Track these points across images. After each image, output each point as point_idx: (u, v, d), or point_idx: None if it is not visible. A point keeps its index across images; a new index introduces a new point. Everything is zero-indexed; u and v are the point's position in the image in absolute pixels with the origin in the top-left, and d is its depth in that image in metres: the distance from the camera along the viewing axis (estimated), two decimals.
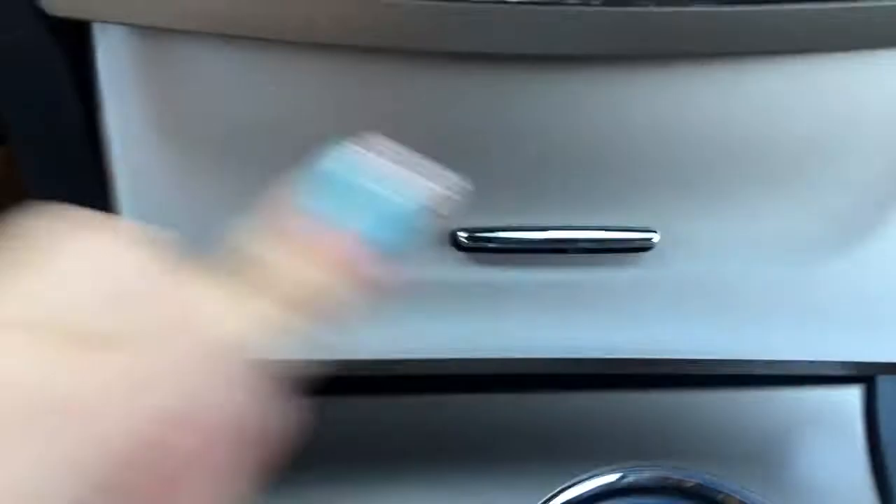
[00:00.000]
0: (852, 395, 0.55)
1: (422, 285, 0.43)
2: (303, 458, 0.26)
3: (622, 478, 0.50)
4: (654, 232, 0.43)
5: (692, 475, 0.50)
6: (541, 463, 0.51)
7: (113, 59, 0.38)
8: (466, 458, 0.51)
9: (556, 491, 0.49)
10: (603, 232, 0.43)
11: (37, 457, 0.15)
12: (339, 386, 0.49)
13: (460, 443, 0.51)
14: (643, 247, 0.44)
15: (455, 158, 0.24)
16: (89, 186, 0.41)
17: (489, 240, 0.43)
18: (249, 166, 0.40)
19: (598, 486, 0.50)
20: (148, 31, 0.37)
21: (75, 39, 0.37)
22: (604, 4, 0.34)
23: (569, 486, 0.49)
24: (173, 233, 0.21)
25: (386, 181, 0.23)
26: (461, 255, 0.44)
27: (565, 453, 0.52)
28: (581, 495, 0.49)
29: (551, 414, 0.53)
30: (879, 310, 0.46)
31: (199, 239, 0.20)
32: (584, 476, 0.50)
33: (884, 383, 0.54)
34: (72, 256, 0.19)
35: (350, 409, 0.53)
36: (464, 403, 0.52)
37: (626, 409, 0.53)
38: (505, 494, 0.50)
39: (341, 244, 0.22)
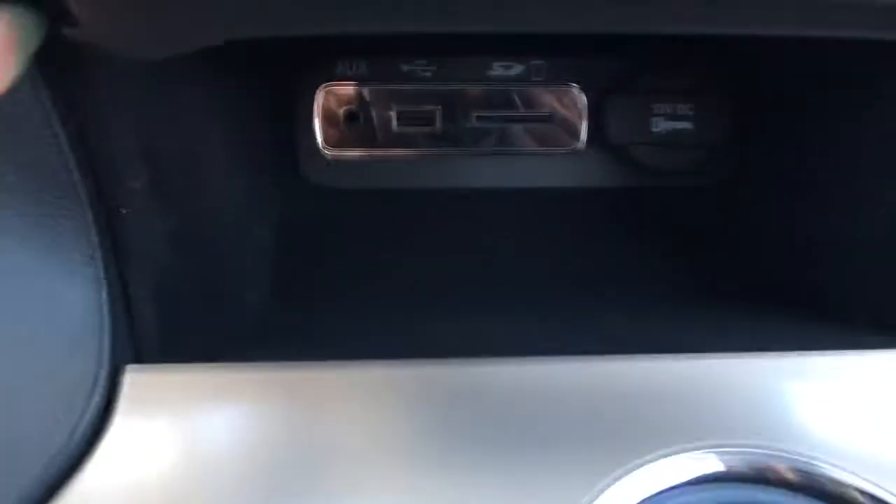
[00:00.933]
0: None
1: None
2: None
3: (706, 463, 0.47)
4: None
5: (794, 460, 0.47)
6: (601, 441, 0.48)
7: None
8: (512, 434, 0.48)
9: (618, 476, 0.46)
10: None
11: None
12: None
13: (507, 416, 0.48)
14: None
15: None
16: None
17: None
18: None
19: (678, 472, 0.47)
20: None
21: None
22: None
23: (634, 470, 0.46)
24: None
25: None
26: None
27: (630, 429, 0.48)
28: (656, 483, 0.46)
29: (614, 383, 0.49)
30: None
31: None
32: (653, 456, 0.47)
33: None
34: None
35: None
36: (513, 371, 0.50)
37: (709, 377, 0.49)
38: (556, 480, 0.46)
39: None
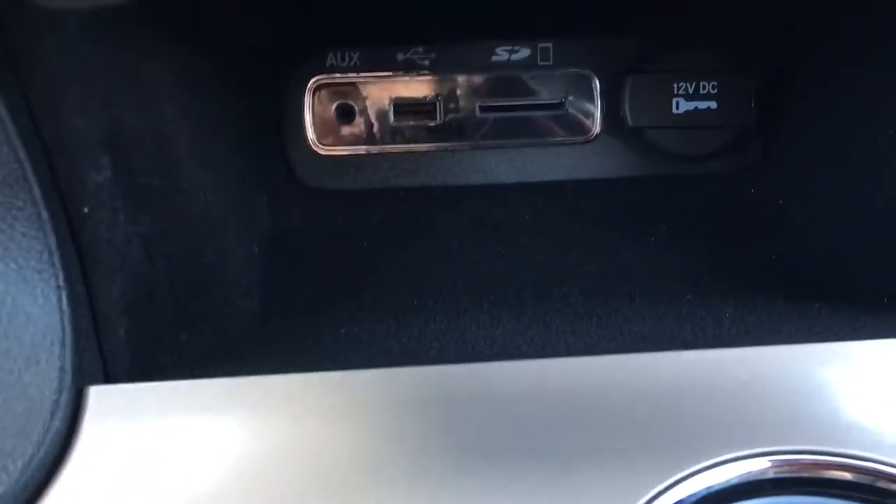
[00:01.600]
0: None
1: None
2: None
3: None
4: None
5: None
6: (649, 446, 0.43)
7: None
8: (533, 442, 0.43)
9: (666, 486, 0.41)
10: None
11: None
12: None
13: (524, 422, 0.43)
14: None
15: None
16: None
17: None
18: None
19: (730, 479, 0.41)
20: None
21: None
22: None
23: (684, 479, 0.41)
24: None
25: None
26: None
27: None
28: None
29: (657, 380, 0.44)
30: None
31: None
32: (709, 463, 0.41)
33: None
34: None
35: None
36: (525, 373, 0.44)
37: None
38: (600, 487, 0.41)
39: None
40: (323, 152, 0.65)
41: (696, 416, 0.42)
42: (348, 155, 0.65)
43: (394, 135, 0.65)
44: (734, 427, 0.42)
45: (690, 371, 0.43)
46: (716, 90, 0.62)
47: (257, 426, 0.42)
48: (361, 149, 0.65)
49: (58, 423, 0.41)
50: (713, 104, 0.63)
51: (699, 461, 0.41)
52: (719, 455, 0.41)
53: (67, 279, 0.42)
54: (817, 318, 0.51)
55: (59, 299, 0.42)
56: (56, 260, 0.42)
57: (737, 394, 0.43)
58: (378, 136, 0.65)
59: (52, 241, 0.41)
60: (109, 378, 0.44)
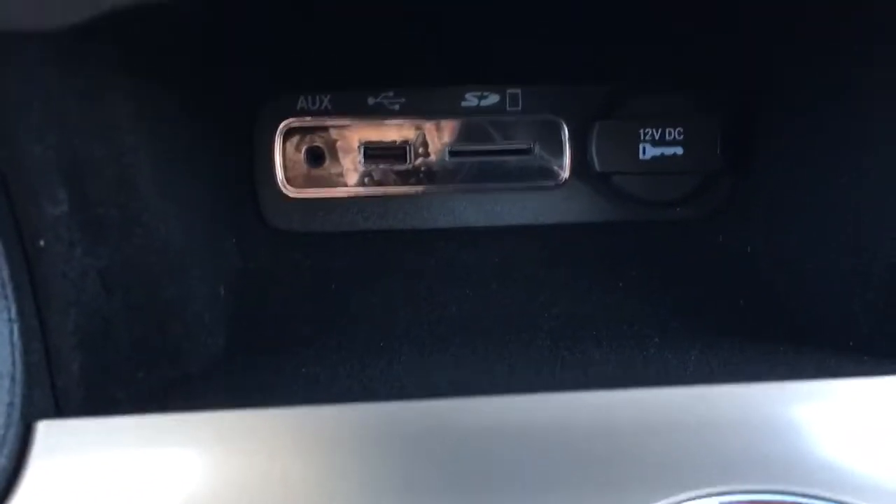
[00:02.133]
0: None
1: None
2: None
3: None
4: None
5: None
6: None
7: None
8: (491, 478, 0.42)
9: None
10: None
11: None
12: None
13: (481, 456, 0.42)
14: None
15: None
16: None
17: None
18: None
19: None
20: None
21: None
22: None
23: None
24: None
25: None
26: None
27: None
28: None
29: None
30: None
31: None
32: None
33: None
34: None
35: None
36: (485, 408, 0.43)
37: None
38: None
39: None
40: (292, 195, 0.65)
41: (653, 454, 0.42)
42: (318, 198, 0.65)
43: (363, 178, 0.65)
44: (691, 465, 0.42)
45: (649, 408, 0.43)
46: (682, 136, 0.63)
47: (211, 461, 0.41)
48: (331, 192, 0.65)
49: (3, 460, 0.40)
50: (679, 150, 0.63)
51: (654, 499, 0.40)
52: (674, 494, 0.40)
53: (20, 312, 0.42)
54: (782, 360, 0.51)
55: (11, 332, 0.41)
56: (8, 292, 0.41)
57: (694, 431, 0.42)
58: (347, 179, 0.65)
59: (5, 273, 0.41)
60: (61, 413, 0.43)
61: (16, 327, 0.41)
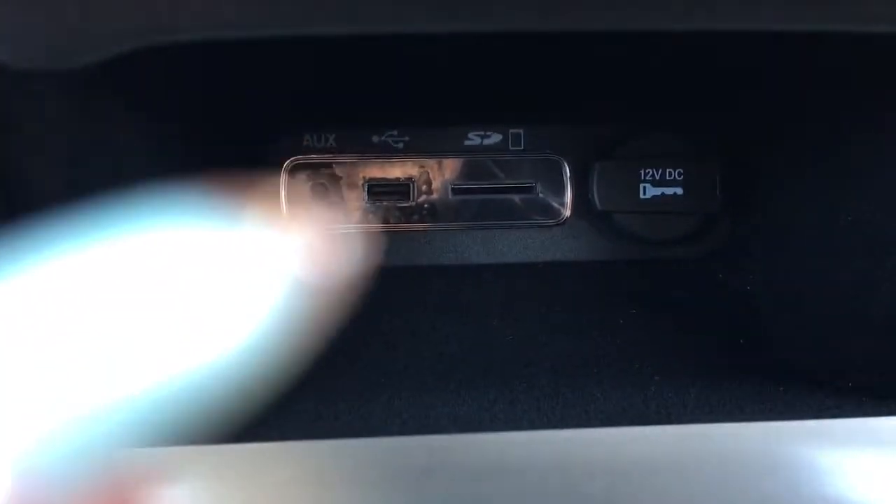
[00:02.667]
0: None
1: None
2: None
3: None
4: None
5: None
6: None
7: None
8: None
9: None
10: None
11: None
12: None
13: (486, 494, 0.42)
14: None
15: None
16: None
17: None
18: None
19: None
20: None
21: None
22: None
23: None
24: None
25: None
26: None
27: None
28: None
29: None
30: None
31: None
32: None
33: None
34: None
35: None
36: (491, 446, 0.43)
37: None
38: None
39: None
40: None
41: (653, 492, 0.42)
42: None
43: (367, 215, 0.66)
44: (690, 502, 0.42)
45: (649, 446, 0.43)
46: (682, 177, 0.64)
47: (207, 496, 0.41)
48: (335, 228, 0.66)
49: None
50: (679, 190, 0.64)
51: None
52: None
53: None
54: (781, 399, 0.51)
55: None
56: None
57: (694, 470, 0.42)
58: (351, 215, 0.66)
59: None
60: None
61: None
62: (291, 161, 0.65)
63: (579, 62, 0.59)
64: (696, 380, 0.55)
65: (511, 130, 0.66)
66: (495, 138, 0.66)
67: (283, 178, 0.65)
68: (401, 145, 0.66)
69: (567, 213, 0.66)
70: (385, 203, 0.66)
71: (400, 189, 0.66)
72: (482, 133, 0.66)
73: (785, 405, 0.50)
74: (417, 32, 0.34)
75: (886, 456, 0.45)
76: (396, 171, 0.66)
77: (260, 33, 0.33)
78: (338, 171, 0.66)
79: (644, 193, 0.64)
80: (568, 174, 0.66)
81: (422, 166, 0.66)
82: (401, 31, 0.34)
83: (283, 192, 0.65)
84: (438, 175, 0.66)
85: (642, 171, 0.64)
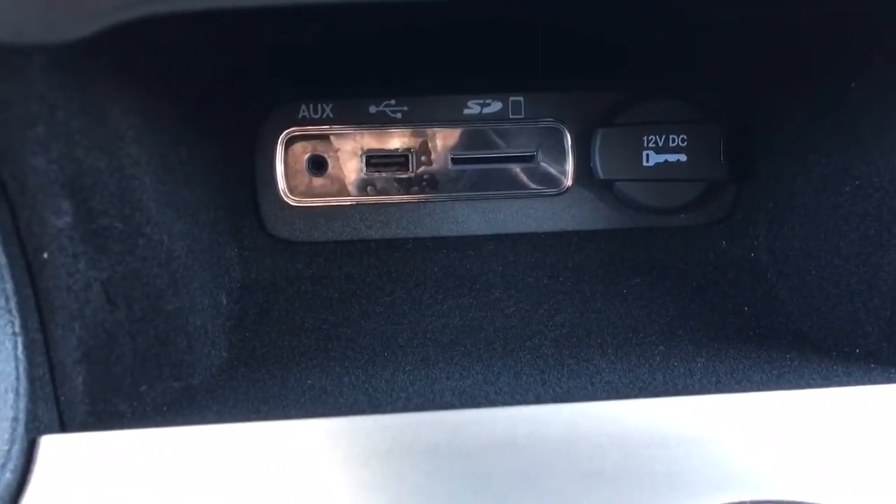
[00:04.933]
0: None
1: None
2: None
3: None
4: None
5: None
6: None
7: None
8: (500, 489, 0.41)
9: None
10: None
11: None
12: None
13: (491, 469, 0.42)
14: None
15: None
16: None
17: None
18: None
19: None
20: None
21: None
22: None
23: None
24: None
25: None
26: None
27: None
28: None
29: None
30: None
31: None
32: None
33: None
34: None
35: None
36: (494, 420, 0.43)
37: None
38: None
39: None
40: (294, 203, 0.64)
41: (661, 465, 0.41)
42: (319, 206, 0.65)
43: (365, 187, 0.65)
44: (699, 475, 0.41)
45: (656, 419, 0.43)
46: (685, 143, 0.63)
47: (216, 475, 0.41)
48: (333, 200, 0.65)
49: (8, 475, 0.40)
50: (683, 157, 0.63)
51: None
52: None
53: (24, 326, 0.41)
54: (789, 367, 0.51)
55: (15, 346, 0.41)
56: (12, 305, 0.41)
57: (702, 442, 0.42)
58: (349, 187, 0.65)
59: (9, 286, 0.40)
60: (65, 427, 0.43)
61: (20, 341, 0.41)
62: (288, 133, 0.64)
63: (579, 27, 0.58)
64: (701, 349, 0.54)
65: (511, 98, 0.64)
66: (495, 107, 0.65)
67: (280, 150, 0.64)
68: (399, 115, 0.64)
69: (569, 181, 0.65)
70: (384, 174, 0.65)
71: (398, 160, 0.65)
72: (482, 101, 0.65)
73: (793, 372, 0.50)
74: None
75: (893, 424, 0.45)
76: (395, 141, 0.65)
77: (260, 2, 0.32)
78: (335, 142, 0.64)
79: (647, 161, 0.63)
80: (569, 142, 0.64)
81: (420, 136, 0.65)
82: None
83: (279, 165, 0.64)
84: (437, 145, 0.65)
85: (645, 138, 0.63)
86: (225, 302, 0.58)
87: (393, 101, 0.64)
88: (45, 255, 0.42)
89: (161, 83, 0.47)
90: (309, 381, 0.50)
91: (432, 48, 0.60)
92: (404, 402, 0.46)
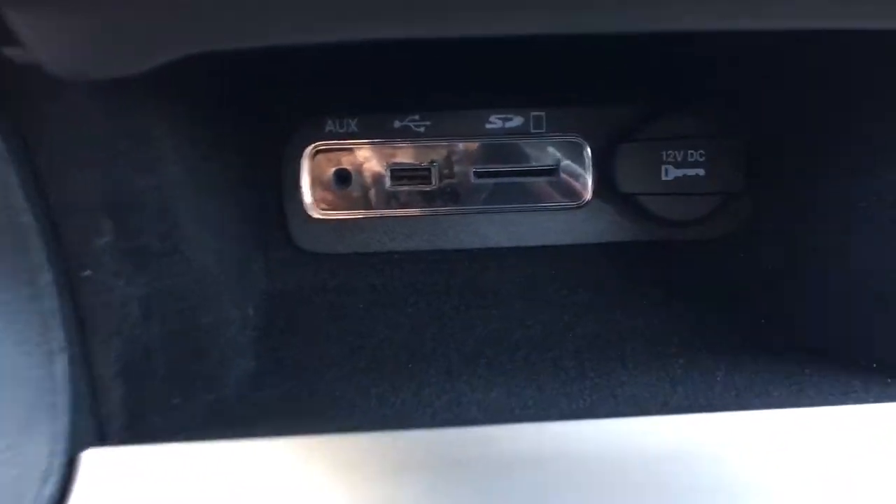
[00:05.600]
0: None
1: None
2: None
3: None
4: None
5: None
6: None
7: None
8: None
9: None
10: None
11: None
12: None
13: (515, 484, 0.43)
14: None
15: None
16: None
17: None
18: None
19: None
20: None
21: None
22: None
23: None
24: None
25: None
26: None
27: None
28: None
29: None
30: None
31: None
32: None
33: None
34: None
35: None
36: (519, 437, 0.44)
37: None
38: None
39: None
40: (319, 216, 0.66)
41: (687, 481, 0.43)
42: (344, 219, 0.66)
43: (389, 200, 0.66)
44: (722, 492, 0.42)
45: (681, 435, 0.44)
46: (703, 158, 0.64)
47: (249, 490, 0.42)
48: (357, 213, 0.66)
49: (50, 488, 0.41)
50: (701, 171, 0.64)
51: None
52: None
53: (67, 341, 0.43)
54: (807, 382, 0.52)
55: (58, 362, 0.42)
56: (57, 322, 0.42)
57: (724, 458, 0.43)
58: (374, 200, 0.66)
59: (54, 304, 0.42)
60: (104, 440, 0.44)
61: (63, 357, 0.42)
62: (314, 147, 0.65)
63: (600, 45, 0.59)
64: (719, 362, 0.55)
65: (533, 113, 0.66)
66: (517, 121, 0.66)
67: (306, 164, 0.65)
68: (422, 129, 0.66)
69: (589, 195, 0.66)
70: (407, 187, 0.66)
71: (422, 173, 0.66)
72: (504, 116, 0.66)
73: (813, 388, 0.50)
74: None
75: None
76: (418, 155, 0.66)
77: (298, 40, 0.33)
78: (360, 156, 0.66)
79: (666, 175, 0.64)
80: (590, 156, 0.65)
81: (443, 150, 0.66)
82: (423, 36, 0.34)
83: (305, 178, 0.65)
84: (460, 159, 0.66)
85: (664, 153, 0.64)
86: (252, 314, 0.59)
87: (417, 116, 0.65)
88: (87, 273, 0.43)
89: (199, 104, 0.48)
90: (337, 394, 0.52)
91: (455, 65, 0.61)
92: (431, 416, 0.47)
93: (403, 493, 0.43)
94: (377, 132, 0.65)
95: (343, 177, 0.66)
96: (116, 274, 0.44)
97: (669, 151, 0.64)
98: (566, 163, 0.66)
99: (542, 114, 0.66)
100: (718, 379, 0.52)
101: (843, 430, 0.45)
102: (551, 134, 0.66)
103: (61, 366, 0.42)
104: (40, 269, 0.41)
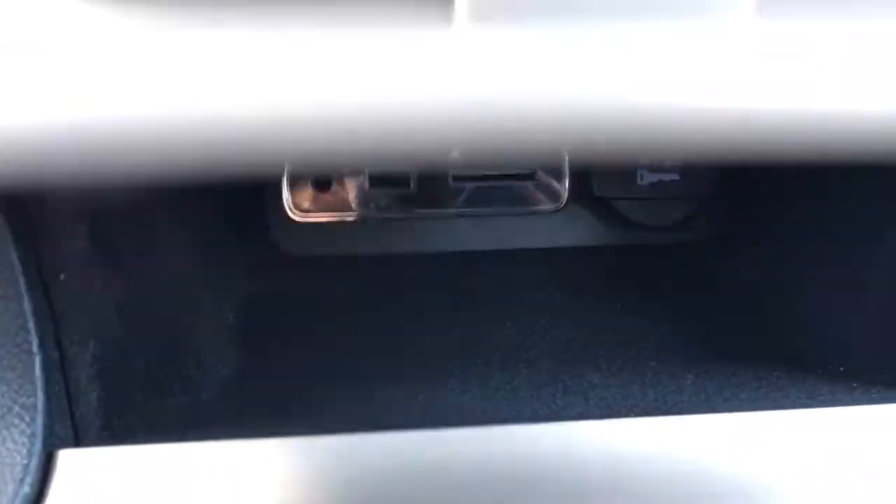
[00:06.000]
0: None
1: None
2: None
3: None
4: None
5: None
6: None
7: None
8: None
9: None
10: None
11: None
12: None
13: (489, 488, 0.44)
14: None
15: None
16: None
17: None
18: None
19: None
20: None
21: None
22: None
23: None
24: None
25: None
26: None
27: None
28: None
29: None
30: None
31: None
32: None
33: None
34: None
35: None
36: (494, 440, 0.45)
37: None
38: None
39: None
40: (299, 219, 0.66)
41: (655, 483, 0.43)
42: (325, 222, 0.67)
43: (368, 203, 0.67)
44: (689, 494, 0.43)
45: (650, 437, 0.44)
46: (679, 163, 0.65)
47: (227, 492, 0.43)
48: (337, 216, 0.67)
49: (27, 489, 0.42)
50: (676, 176, 0.65)
51: None
52: None
53: (41, 345, 0.43)
54: (775, 385, 0.53)
55: (33, 365, 0.43)
56: (31, 326, 0.42)
57: (690, 461, 0.44)
58: (353, 203, 0.66)
59: (28, 307, 0.42)
60: (80, 442, 0.45)
61: (38, 360, 0.43)
62: None
63: None
64: (691, 366, 0.56)
65: None
66: None
67: (286, 167, 0.65)
68: None
69: (566, 199, 0.67)
70: (386, 190, 0.67)
71: (401, 176, 0.67)
72: None
73: (779, 391, 0.51)
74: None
75: (872, 444, 0.46)
76: None
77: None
78: None
79: (642, 179, 0.65)
80: (567, 160, 0.66)
81: None
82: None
83: (285, 181, 0.66)
84: None
85: None
86: (231, 316, 0.60)
87: None
88: (62, 277, 0.44)
89: None
90: (314, 396, 0.52)
91: None
92: (405, 418, 0.48)
93: (377, 494, 0.43)
94: None
95: (323, 180, 0.66)
96: (91, 278, 0.45)
97: None
98: (544, 167, 0.67)
99: None
100: (688, 382, 0.53)
101: (806, 433, 0.46)
102: None
103: (38, 368, 0.43)
104: (19, 271, 0.41)
